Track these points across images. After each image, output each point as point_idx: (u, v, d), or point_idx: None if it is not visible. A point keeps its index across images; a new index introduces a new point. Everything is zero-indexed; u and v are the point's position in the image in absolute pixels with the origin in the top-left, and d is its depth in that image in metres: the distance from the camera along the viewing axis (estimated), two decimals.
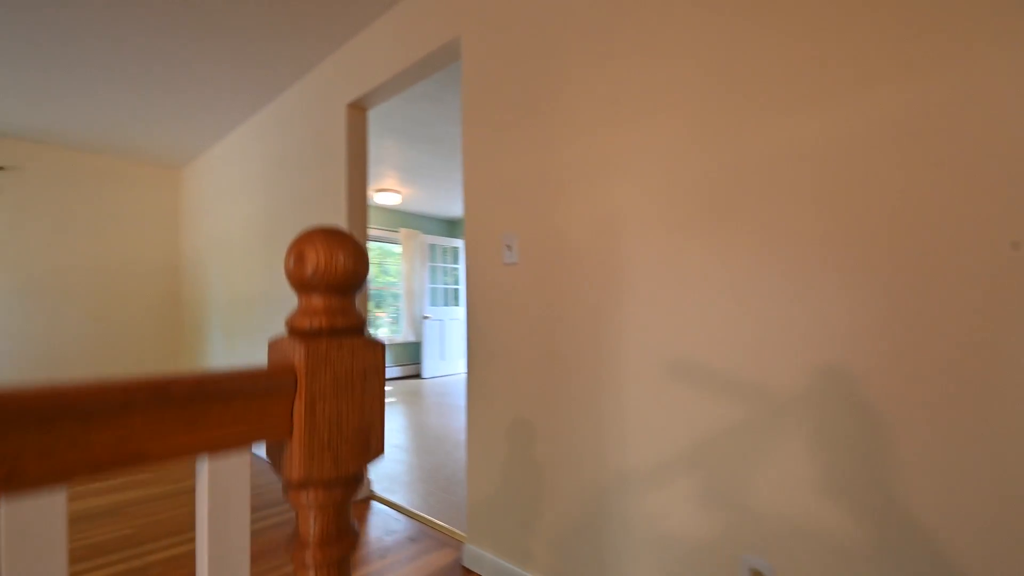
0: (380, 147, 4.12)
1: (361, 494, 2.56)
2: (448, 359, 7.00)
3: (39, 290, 4.01)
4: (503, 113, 1.75)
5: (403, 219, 6.91)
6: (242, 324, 3.57)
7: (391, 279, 7.08)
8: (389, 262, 7.12)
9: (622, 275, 1.41)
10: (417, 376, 6.88)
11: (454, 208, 6.73)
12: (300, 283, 0.46)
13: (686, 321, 1.28)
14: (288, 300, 3.02)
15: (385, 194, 5.70)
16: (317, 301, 0.47)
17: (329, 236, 0.46)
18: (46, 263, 4.04)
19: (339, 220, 2.57)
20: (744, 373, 1.18)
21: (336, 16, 2.31)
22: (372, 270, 6.88)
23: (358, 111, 2.58)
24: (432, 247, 7.21)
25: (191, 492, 2.67)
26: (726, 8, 1.22)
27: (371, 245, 6.80)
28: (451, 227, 7.64)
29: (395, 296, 7.03)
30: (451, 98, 3.20)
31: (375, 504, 2.47)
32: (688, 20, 1.29)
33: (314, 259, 0.45)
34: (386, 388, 5.95)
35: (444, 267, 7.33)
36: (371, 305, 6.89)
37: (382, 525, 2.22)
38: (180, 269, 4.72)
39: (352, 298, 0.49)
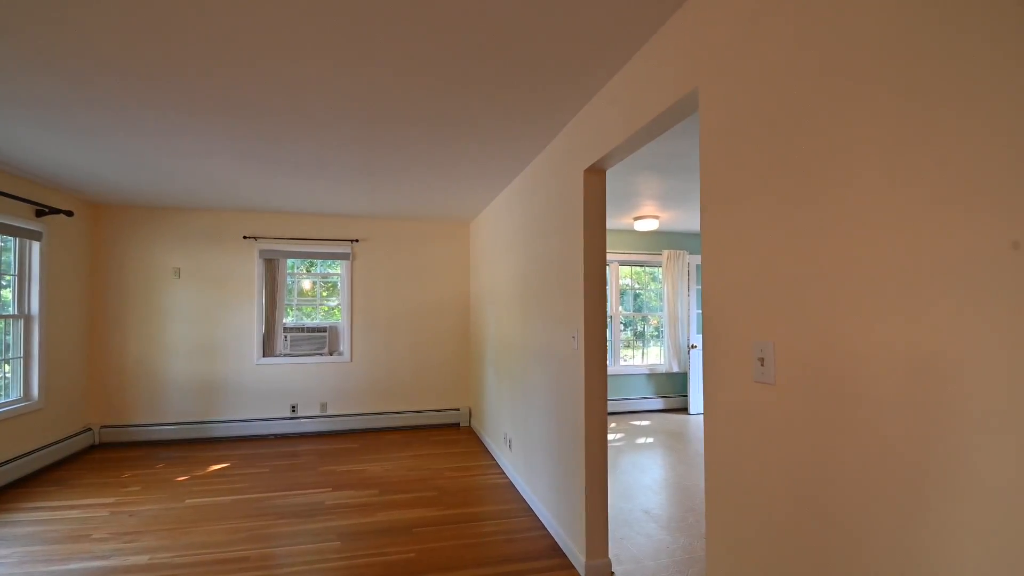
0: (634, 183, 3.96)
1: None
2: None
3: (381, 327, 5.41)
4: (756, 177, 1.35)
5: (667, 240, 6.51)
6: (506, 365, 3.94)
7: (654, 303, 6.79)
8: (652, 287, 6.84)
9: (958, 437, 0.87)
10: (683, 411, 6.38)
11: None
12: None
13: None
14: (535, 353, 3.15)
15: (644, 221, 5.48)
16: None
17: None
18: (384, 308, 5.41)
19: (576, 282, 2.52)
20: None
21: (568, 87, 2.27)
22: (630, 297, 6.73)
23: (595, 174, 2.48)
24: (700, 268, 6.57)
25: (475, 520, 3.03)
26: None
27: (630, 270, 6.67)
28: None
29: (658, 322, 6.70)
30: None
31: None
32: None
33: None
34: (643, 424, 5.75)
35: None
36: (627, 334, 6.75)
37: None
38: (468, 309, 5.60)
39: None
